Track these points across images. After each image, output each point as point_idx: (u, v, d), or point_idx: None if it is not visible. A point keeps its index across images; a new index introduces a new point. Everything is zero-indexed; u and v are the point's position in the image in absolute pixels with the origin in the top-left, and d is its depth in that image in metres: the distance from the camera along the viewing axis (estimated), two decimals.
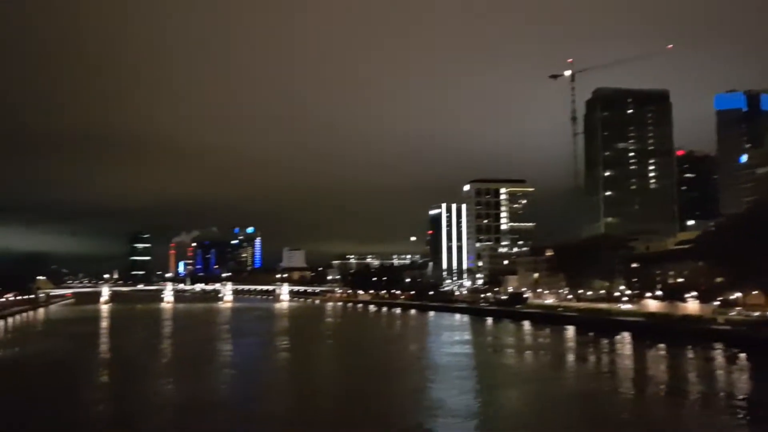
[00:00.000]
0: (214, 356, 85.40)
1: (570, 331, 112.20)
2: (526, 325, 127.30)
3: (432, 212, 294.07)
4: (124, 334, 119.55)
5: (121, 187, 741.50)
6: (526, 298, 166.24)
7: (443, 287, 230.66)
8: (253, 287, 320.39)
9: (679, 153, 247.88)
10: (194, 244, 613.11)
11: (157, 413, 49.97)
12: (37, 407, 50.31)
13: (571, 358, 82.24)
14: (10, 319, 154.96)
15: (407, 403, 52.57)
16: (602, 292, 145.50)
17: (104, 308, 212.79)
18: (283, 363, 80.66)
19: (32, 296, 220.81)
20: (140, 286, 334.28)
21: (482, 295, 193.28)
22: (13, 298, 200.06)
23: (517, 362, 79.01)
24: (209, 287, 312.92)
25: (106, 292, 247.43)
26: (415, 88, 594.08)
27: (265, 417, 48.51)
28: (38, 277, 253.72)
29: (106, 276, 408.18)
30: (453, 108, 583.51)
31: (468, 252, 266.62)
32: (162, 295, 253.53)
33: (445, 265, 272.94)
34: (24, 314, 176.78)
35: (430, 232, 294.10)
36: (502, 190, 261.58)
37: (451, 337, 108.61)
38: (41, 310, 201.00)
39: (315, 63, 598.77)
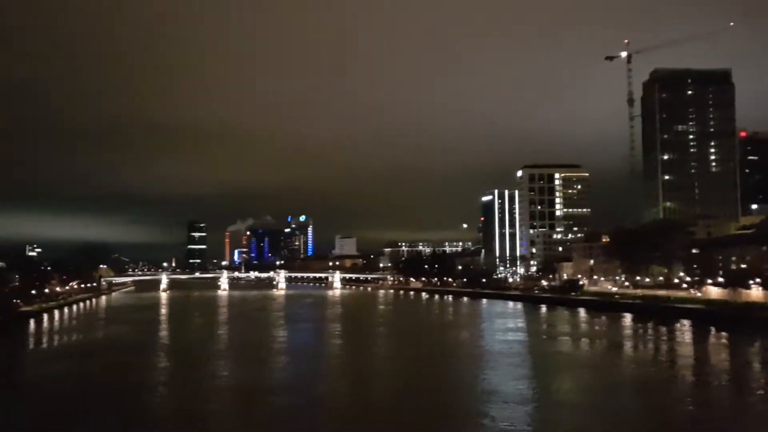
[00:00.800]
0: (271, 342, 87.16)
1: (627, 318, 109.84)
2: (582, 312, 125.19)
3: (484, 199, 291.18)
4: (183, 321, 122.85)
5: (179, 177, 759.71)
6: (582, 285, 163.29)
7: (496, 275, 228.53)
8: (305, 275, 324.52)
9: (742, 135, 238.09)
10: (248, 233, 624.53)
11: (217, 395, 51.44)
12: (108, 389, 52.49)
13: (628, 345, 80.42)
14: (74, 307, 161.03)
15: (461, 389, 52.62)
16: (660, 278, 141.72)
17: (163, 296, 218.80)
18: (338, 348, 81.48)
19: (95, 284, 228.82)
20: (197, 274, 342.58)
21: (536, 283, 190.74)
22: (77, 286, 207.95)
23: (573, 349, 77.70)
24: (263, 275, 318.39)
25: (164, 280, 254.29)
26: (466, 72, 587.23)
27: (323, 399, 49.44)
28: (101, 266, 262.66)
29: (165, 264, 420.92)
30: (505, 92, 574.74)
31: (521, 239, 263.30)
32: (218, 283, 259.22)
33: (497, 253, 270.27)
34: (88, 302, 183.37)
35: (483, 219, 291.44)
36: (557, 176, 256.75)
37: (505, 324, 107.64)
38: (104, 298, 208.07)
39: (365, 49, 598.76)
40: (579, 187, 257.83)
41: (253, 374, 60.10)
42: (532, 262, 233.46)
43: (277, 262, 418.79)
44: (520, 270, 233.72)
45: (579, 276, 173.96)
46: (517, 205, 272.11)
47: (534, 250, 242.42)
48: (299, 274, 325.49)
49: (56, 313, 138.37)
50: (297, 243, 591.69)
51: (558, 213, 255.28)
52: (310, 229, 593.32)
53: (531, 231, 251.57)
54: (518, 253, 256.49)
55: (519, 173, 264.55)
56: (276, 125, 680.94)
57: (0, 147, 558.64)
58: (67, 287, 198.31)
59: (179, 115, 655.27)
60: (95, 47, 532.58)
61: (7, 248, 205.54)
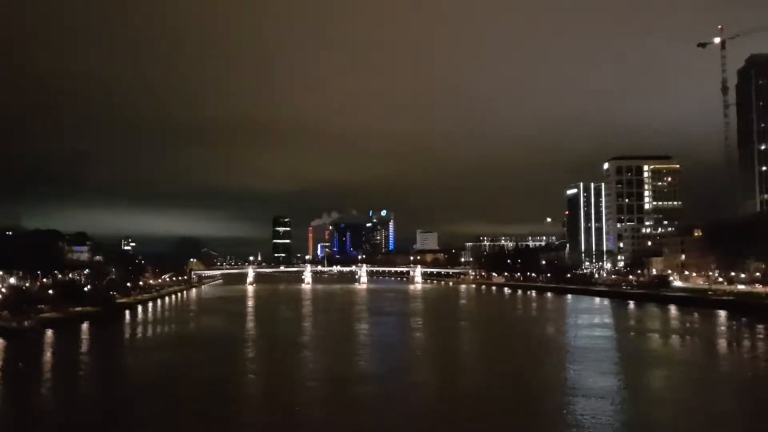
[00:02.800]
0: (355, 334, 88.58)
1: (721, 315, 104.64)
2: (672, 309, 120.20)
3: (569, 192, 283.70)
4: (270, 313, 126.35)
5: (265, 173, 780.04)
6: (672, 280, 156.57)
7: (581, 270, 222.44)
8: (387, 269, 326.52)
9: None
10: (331, 228, 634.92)
11: (306, 384, 52.74)
12: (204, 376, 54.89)
13: (722, 343, 76.56)
14: (167, 299, 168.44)
15: (545, 383, 51.92)
16: (757, 274, 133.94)
17: (250, 289, 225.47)
18: (421, 341, 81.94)
19: (186, 277, 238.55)
20: (282, 268, 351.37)
21: (623, 278, 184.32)
22: (170, 279, 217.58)
23: (662, 346, 75.01)
24: (345, 269, 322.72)
25: (251, 273, 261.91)
26: (548, 62, 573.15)
27: (408, 389, 49.87)
28: (191, 260, 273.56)
29: (251, 258, 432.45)
30: (590, 81, 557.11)
31: (608, 233, 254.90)
32: (302, 277, 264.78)
33: (583, 247, 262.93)
34: (180, 294, 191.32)
35: (567, 212, 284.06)
36: (645, 168, 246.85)
37: (591, 320, 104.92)
38: (194, 291, 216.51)
39: (446, 44, 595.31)
40: (669, 179, 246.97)
41: (340, 364, 61.42)
42: (619, 257, 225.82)
43: (359, 257, 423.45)
44: (607, 265, 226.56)
45: (669, 271, 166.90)
46: (603, 199, 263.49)
47: (621, 245, 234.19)
48: (381, 269, 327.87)
49: (150, 304, 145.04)
50: (378, 238, 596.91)
51: (647, 206, 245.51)
52: (391, 224, 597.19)
53: (618, 225, 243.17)
54: (605, 248, 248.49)
55: (606, 165, 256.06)
56: (358, 121, 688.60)
57: (98, 145, 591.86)
58: (160, 280, 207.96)
59: (266, 112, 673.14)
60: (188, 47, 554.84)
61: (104, 242, 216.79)
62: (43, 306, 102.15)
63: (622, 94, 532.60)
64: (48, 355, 70.79)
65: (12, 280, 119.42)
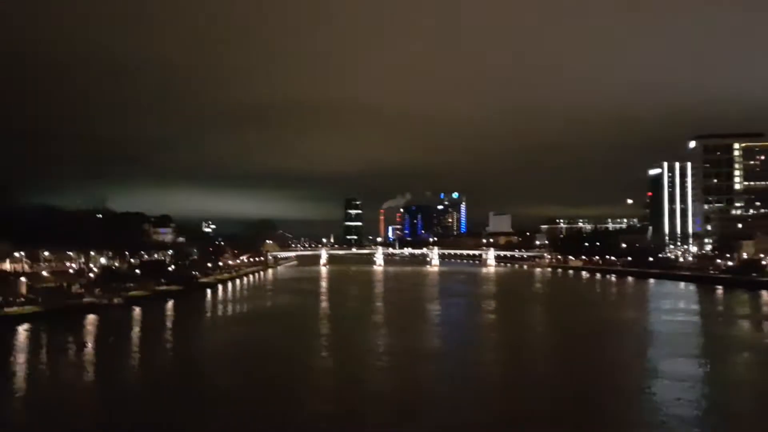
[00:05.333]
0: (426, 313, 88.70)
1: None
2: (765, 295, 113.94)
3: (651, 172, 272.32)
4: (344, 293, 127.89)
5: (338, 156, 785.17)
6: (765, 265, 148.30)
7: (664, 253, 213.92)
8: (458, 251, 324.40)
9: None
10: (402, 210, 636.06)
11: (378, 359, 53.42)
12: (281, 351, 56.63)
13: None
14: (245, 279, 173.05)
15: (622, 365, 50.82)
16: None
17: (323, 270, 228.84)
18: (493, 322, 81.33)
19: (262, 258, 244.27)
20: (353, 250, 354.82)
21: (710, 262, 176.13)
22: (247, 260, 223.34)
23: (750, 332, 71.74)
24: (416, 251, 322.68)
25: (324, 255, 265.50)
26: (625, 34, 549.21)
27: (479, 367, 50.35)
28: (267, 241, 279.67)
29: (324, 240, 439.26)
30: (673, 53, 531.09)
31: (694, 215, 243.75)
32: (373, 258, 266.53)
33: (666, 230, 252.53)
34: (257, 274, 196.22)
35: (650, 193, 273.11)
36: (735, 146, 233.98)
37: (675, 305, 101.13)
38: (270, 271, 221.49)
39: (521, 22, 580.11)
40: (763, 157, 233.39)
41: (411, 342, 61.93)
42: (705, 240, 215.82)
43: (430, 239, 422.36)
44: (693, 248, 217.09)
45: (761, 255, 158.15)
46: (689, 179, 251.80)
47: (708, 227, 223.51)
48: (452, 251, 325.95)
49: (229, 284, 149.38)
50: (450, 220, 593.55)
51: (737, 187, 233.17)
52: (462, 206, 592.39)
53: (705, 206, 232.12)
54: (690, 231, 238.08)
55: (691, 144, 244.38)
56: (430, 102, 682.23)
57: (176, 129, 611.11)
58: (238, 261, 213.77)
59: (340, 94, 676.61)
60: (255, 32, 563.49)
61: (186, 224, 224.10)
62: (130, 284, 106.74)
63: (711, 66, 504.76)
64: (136, 329, 73.92)
65: (102, 260, 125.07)
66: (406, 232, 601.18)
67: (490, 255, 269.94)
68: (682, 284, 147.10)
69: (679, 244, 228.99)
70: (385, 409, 37.62)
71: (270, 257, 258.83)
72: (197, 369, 50.01)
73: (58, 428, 33.99)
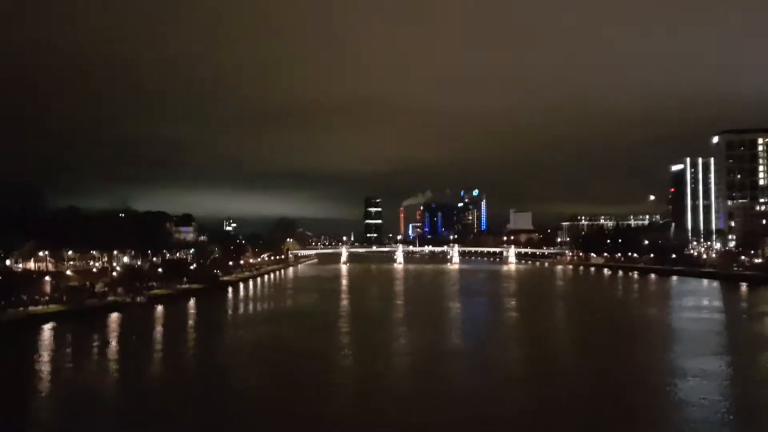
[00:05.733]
0: (447, 312, 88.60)
1: None
2: None
3: (674, 168, 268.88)
4: (364, 291, 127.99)
5: (357, 154, 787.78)
6: None
7: (687, 250, 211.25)
8: (479, 249, 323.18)
9: None
10: (422, 208, 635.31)
11: (400, 358, 53.65)
12: (302, 349, 56.95)
13: None
14: (266, 277, 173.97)
15: (645, 363, 50.76)
16: None
17: (344, 268, 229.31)
18: (514, 320, 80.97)
19: (283, 257, 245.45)
20: (374, 248, 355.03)
21: (735, 259, 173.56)
22: (268, 258, 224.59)
23: None
24: (437, 249, 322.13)
25: (344, 253, 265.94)
26: (649, 31, 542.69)
27: (501, 364, 50.56)
28: (287, 240, 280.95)
29: (344, 238, 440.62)
30: (698, 49, 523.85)
31: (717, 212, 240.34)
32: (394, 257, 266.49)
33: (689, 227, 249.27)
34: (278, 273, 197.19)
35: (672, 190, 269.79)
36: (760, 141, 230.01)
37: (698, 302, 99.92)
38: (291, 269, 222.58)
39: (539, 17, 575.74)
40: None
41: (432, 340, 62.12)
42: (729, 237, 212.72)
43: (451, 237, 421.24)
44: (716, 245, 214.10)
45: None
46: (712, 175, 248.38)
47: (732, 224, 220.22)
48: (473, 249, 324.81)
49: (251, 282, 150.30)
50: (470, 218, 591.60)
51: (761, 182, 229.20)
52: (483, 204, 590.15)
53: (728, 203, 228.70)
54: (713, 227, 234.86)
55: (715, 139, 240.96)
56: (448, 99, 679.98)
57: (198, 129, 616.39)
58: (259, 259, 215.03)
59: (357, 93, 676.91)
60: (277, 32, 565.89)
61: (207, 223, 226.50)
62: (153, 283, 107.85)
63: (728, 62, 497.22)
64: (158, 328, 74.63)
65: (125, 259, 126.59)
66: (426, 230, 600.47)
67: (511, 252, 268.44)
68: (705, 281, 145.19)
69: (702, 240, 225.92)
70: (407, 408, 37.68)
71: (290, 256, 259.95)
72: (220, 367, 50.49)
73: (83, 426, 34.37)
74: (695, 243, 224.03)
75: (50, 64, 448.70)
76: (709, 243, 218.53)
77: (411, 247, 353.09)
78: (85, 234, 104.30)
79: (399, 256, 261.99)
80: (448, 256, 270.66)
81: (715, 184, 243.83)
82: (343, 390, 42.23)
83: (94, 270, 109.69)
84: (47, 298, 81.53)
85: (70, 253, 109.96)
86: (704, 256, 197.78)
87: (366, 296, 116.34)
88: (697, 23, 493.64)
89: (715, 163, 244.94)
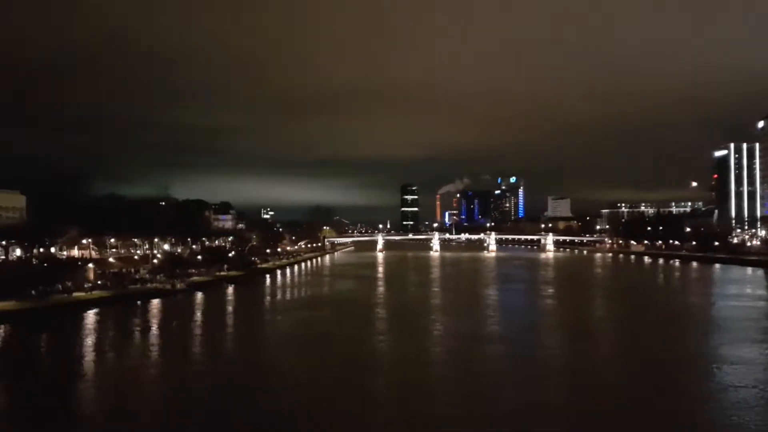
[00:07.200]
0: (484, 299, 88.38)
1: None
2: None
3: (717, 154, 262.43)
4: (401, 279, 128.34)
5: (394, 141, 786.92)
6: None
7: (731, 237, 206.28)
8: (516, 237, 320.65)
9: None
10: (459, 195, 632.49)
11: (438, 343, 54.20)
12: (341, 334, 57.42)
13: None
14: (303, 264, 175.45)
15: (687, 350, 50.68)
16: None
17: (380, 255, 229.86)
18: (551, 307, 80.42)
19: (320, 244, 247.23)
20: (410, 236, 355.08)
21: None
22: (305, 246, 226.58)
23: None
24: (474, 237, 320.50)
25: (380, 240, 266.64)
26: (699, 14, 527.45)
27: (538, 349, 50.63)
28: (324, 227, 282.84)
29: (380, 226, 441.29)
30: (745, 33, 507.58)
31: (762, 198, 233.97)
32: (430, 244, 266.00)
33: (733, 213, 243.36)
34: (315, 260, 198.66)
35: (715, 176, 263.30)
36: None
37: (741, 290, 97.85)
38: (327, 257, 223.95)
39: (588, 6, 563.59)
40: None
41: (470, 326, 62.53)
42: None
43: (488, 224, 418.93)
44: (761, 233, 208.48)
45: None
46: (757, 160, 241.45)
47: None
48: (510, 236, 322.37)
49: (288, 269, 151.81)
50: (507, 205, 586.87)
51: None
52: (520, 191, 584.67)
53: None
54: (758, 214, 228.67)
55: (760, 124, 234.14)
56: (486, 85, 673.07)
57: (235, 117, 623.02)
58: (296, 246, 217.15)
59: (392, 79, 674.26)
60: (311, 19, 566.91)
61: (245, 211, 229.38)
62: (192, 270, 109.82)
63: None
64: (198, 314, 76.04)
65: (165, 246, 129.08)
66: (463, 217, 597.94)
67: (549, 240, 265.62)
68: (750, 269, 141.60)
69: (746, 228, 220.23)
70: (445, 392, 37.81)
71: (327, 243, 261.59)
72: (261, 352, 51.46)
73: (125, 412, 35.05)
74: (739, 230, 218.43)
75: (95, 52, 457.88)
76: (753, 230, 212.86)
77: (447, 235, 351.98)
78: (127, 221, 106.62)
79: (435, 243, 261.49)
80: (485, 244, 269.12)
81: (760, 169, 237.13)
82: (384, 375, 42.67)
83: (136, 257, 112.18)
84: (90, 284, 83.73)
85: (112, 240, 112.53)
86: (748, 244, 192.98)
87: (402, 284, 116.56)
88: (750, 8, 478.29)
89: (760, 149, 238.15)
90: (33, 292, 73.36)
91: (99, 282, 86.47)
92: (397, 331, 60.67)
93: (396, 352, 50.35)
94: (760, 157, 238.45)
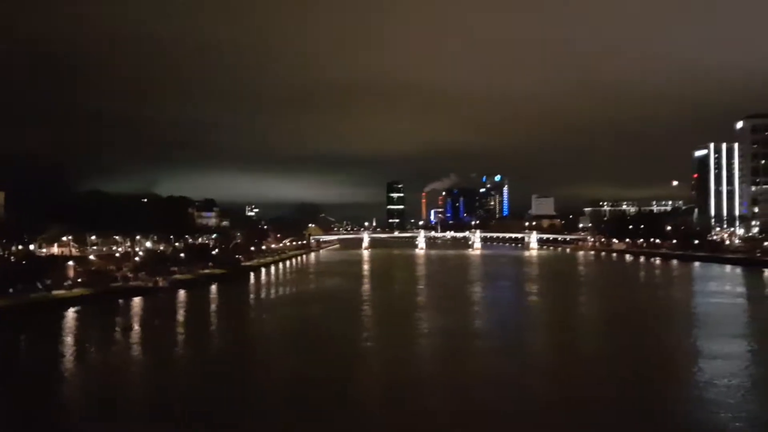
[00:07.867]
0: (469, 296, 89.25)
1: None
2: None
3: (697, 153, 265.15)
4: (386, 276, 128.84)
5: (379, 138, 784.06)
6: None
7: (711, 236, 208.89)
8: (501, 235, 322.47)
9: None
10: (444, 193, 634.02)
11: (422, 340, 54.37)
12: (325, 333, 58.00)
13: None
14: (288, 262, 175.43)
15: (672, 346, 51.05)
16: None
17: (366, 253, 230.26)
18: (535, 304, 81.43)
19: (305, 242, 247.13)
20: (396, 233, 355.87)
21: (758, 245, 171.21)
22: (290, 243, 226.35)
23: None
24: (459, 235, 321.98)
25: (366, 238, 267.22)
26: (675, 14, 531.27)
27: (524, 345, 51.59)
28: (310, 225, 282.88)
29: (366, 223, 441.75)
30: (724, 32, 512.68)
31: (741, 197, 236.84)
32: (415, 242, 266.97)
33: (713, 212, 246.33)
34: (300, 258, 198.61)
35: (696, 175, 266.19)
36: None
37: (720, 287, 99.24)
38: (313, 255, 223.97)
39: (568, 5, 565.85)
40: None
41: (455, 322, 62.83)
42: (753, 223, 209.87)
43: (473, 222, 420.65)
44: (740, 231, 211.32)
45: None
46: (736, 160, 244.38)
47: (756, 210, 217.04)
48: (494, 234, 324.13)
49: (273, 267, 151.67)
50: (492, 203, 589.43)
51: None
52: (505, 189, 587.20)
53: (752, 188, 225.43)
54: (737, 213, 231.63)
55: (739, 124, 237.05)
56: (472, 84, 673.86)
57: (219, 112, 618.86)
58: (281, 244, 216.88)
59: (380, 76, 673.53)
60: (309, 12, 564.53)
61: (230, 208, 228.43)
62: (175, 268, 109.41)
63: (756, 46, 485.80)
64: (181, 312, 75.87)
65: (148, 244, 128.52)
66: (448, 215, 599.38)
67: (533, 238, 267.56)
68: (728, 267, 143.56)
69: (725, 226, 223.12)
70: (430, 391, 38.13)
71: (312, 241, 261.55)
72: (243, 349, 51.52)
73: (107, 412, 34.84)
74: (718, 229, 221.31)
75: (76, 44, 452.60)
76: (732, 229, 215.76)
77: (433, 233, 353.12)
78: (109, 218, 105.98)
79: (421, 241, 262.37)
80: (470, 242, 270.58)
81: (740, 169, 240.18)
82: (367, 370, 43.06)
83: (117, 254, 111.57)
84: (70, 282, 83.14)
85: (93, 237, 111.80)
86: (727, 242, 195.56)
87: (387, 281, 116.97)
88: (727, 8, 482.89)
89: (739, 148, 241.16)
90: (11, 290, 72.76)
91: (80, 280, 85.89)
92: (382, 329, 60.85)
93: (374, 348, 50.95)
94: (739, 156, 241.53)
